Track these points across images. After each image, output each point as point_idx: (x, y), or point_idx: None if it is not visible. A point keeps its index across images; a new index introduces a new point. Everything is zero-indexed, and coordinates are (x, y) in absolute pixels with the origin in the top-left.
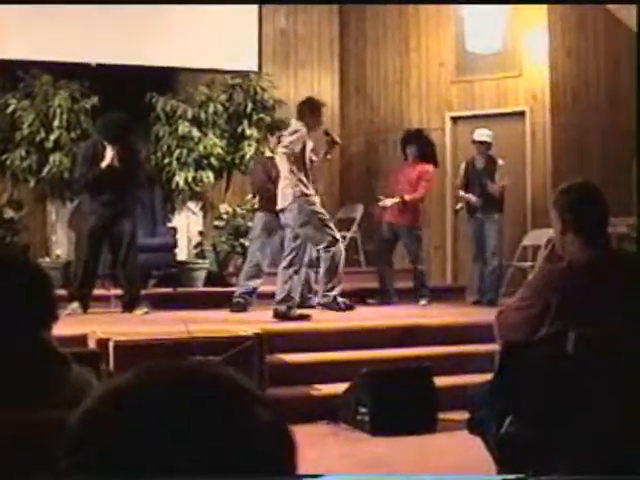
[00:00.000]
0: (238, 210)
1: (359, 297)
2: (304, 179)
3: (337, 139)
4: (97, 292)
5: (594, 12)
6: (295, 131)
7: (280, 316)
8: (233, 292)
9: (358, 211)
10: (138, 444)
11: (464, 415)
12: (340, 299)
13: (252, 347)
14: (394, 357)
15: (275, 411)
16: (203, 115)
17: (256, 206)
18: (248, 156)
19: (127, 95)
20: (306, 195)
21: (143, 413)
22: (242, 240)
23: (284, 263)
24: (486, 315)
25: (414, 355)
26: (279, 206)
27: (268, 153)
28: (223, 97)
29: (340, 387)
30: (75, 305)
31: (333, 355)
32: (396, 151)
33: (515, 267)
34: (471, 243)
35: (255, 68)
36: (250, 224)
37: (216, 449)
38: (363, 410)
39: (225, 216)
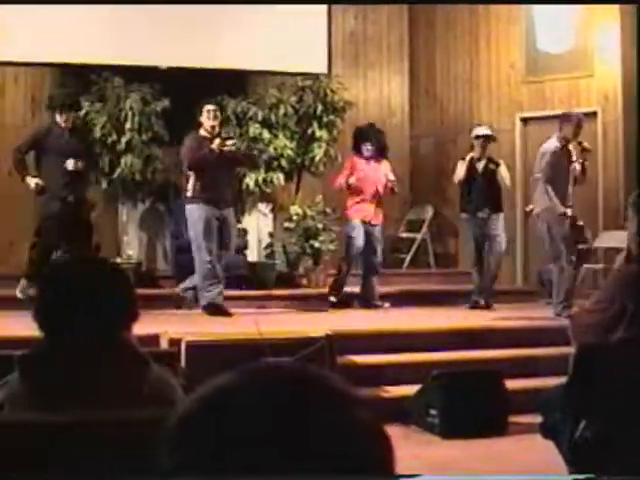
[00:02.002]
0: (308, 212)
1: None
2: (552, 191)
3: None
4: (156, 292)
5: None
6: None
7: (559, 315)
8: (303, 293)
9: (428, 212)
10: (240, 445)
11: (535, 418)
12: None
13: (323, 348)
14: (465, 359)
15: (373, 413)
16: (273, 117)
17: (189, 194)
18: (318, 158)
19: (198, 97)
20: (551, 207)
21: (246, 414)
22: (312, 242)
23: (552, 266)
24: (558, 318)
25: (485, 357)
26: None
27: (203, 133)
28: (293, 99)
29: (411, 389)
30: (24, 283)
31: (404, 357)
32: (466, 152)
33: (587, 269)
34: (475, 247)
35: (325, 70)
36: (320, 226)
37: (319, 450)
38: (434, 412)
39: (295, 218)
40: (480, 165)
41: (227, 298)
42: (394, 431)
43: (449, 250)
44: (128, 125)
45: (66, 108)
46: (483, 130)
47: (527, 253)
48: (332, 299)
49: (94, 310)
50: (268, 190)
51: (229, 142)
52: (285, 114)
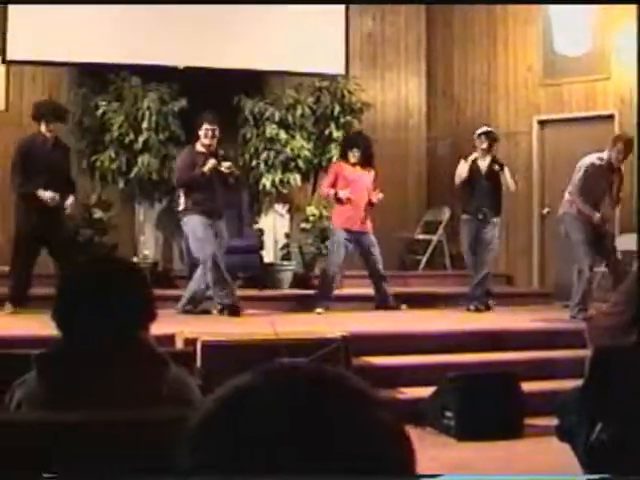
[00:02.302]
0: (324, 213)
1: (446, 301)
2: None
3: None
4: (172, 292)
5: None
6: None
7: (575, 318)
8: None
9: (445, 214)
10: (260, 445)
11: (551, 421)
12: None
13: (338, 349)
14: (481, 361)
15: (394, 413)
16: (290, 118)
17: (182, 207)
18: (335, 159)
19: (215, 97)
20: (576, 214)
21: (265, 415)
22: (328, 242)
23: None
24: (574, 321)
25: (501, 359)
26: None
27: (199, 148)
28: (310, 100)
29: (426, 391)
30: (9, 306)
31: (419, 358)
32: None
33: (604, 272)
34: (469, 248)
35: (342, 71)
36: None
37: (339, 451)
38: (449, 414)
39: (311, 218)
40: (484, 165)
41: (243, 298)
42: (410, 433)
43: None
44: (145, 125)
45: (52, 118)
46: (484, 128)
47: (544, 255)
48: (319, 311)
49: (112, 310)
50: (285, 191)
51: (225, 164)
52: (302, 115)
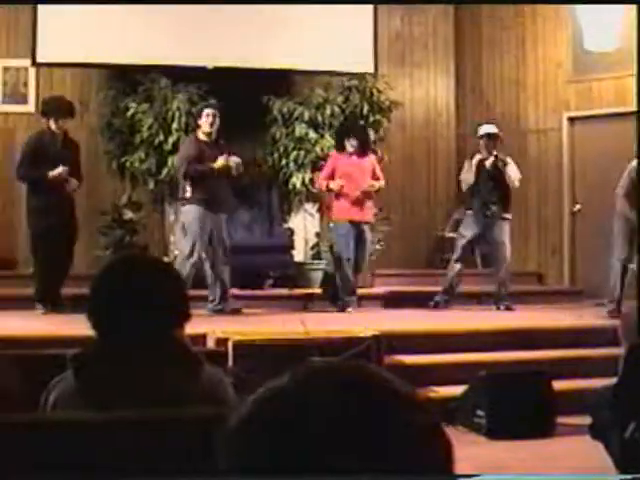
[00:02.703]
0: None
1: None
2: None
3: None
4: (202, 292)
5: None
6: None
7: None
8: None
9: None
10: (298, 447)
11: (582, 420)
12: None
13: (370, 348)
14: (512, 360)
15: (433, 414)
16: (320, 117)
17: (187, 194)
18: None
19: (244, 98)
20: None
21: (303, 416)
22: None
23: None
24: (606, 318)
25: (533, 358)
26: None
27: (201, 136)
28: (339, 99)
29: (457, 389)
30: (40, 306)
31: (451, 357)
32: (512, 152)
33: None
34: (467, 243)
35: (371, 69)
36: None
37: (380, 451)
38: (480, 413)
39: None
40: (488, 162)
41: (274, 298)
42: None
43: None
44: (175, 125)
45: (61, 114)
46: (488, 128)
47: (574, 253)
48: (349, 310)
49: (147, 309)
50: (314, 190)
51: (234, 160)
52: (331, 114)
